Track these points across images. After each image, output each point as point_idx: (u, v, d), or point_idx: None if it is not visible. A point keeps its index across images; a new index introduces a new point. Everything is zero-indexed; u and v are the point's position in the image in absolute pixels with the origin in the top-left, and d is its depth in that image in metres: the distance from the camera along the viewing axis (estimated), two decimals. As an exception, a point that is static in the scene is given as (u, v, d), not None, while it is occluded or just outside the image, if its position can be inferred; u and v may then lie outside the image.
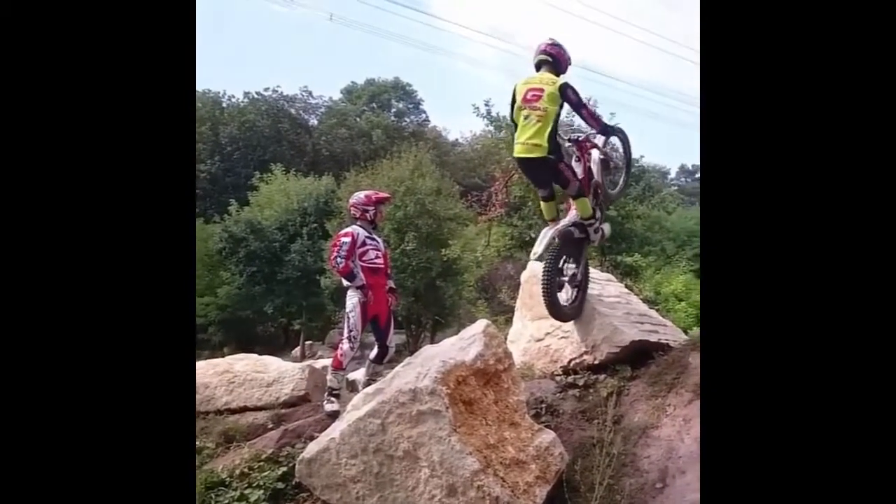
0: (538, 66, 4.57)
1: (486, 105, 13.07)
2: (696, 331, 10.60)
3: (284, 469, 3.88)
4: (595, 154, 4.82)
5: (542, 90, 4.33)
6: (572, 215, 4.77)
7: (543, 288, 4.44)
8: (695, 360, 4.23)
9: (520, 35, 75.99)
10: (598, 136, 4.84)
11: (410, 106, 41.32)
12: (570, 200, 4.77)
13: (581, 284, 4.79)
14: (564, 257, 4.67)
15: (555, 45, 4.56)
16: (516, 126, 4.48)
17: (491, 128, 13.87)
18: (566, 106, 4.47)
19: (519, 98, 4.43)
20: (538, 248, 4.57)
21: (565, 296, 4.68)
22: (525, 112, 4.36)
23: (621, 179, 5.33)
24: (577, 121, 5.14)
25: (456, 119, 76.61)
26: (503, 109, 12.91)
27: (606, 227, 4.98)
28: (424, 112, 41.71)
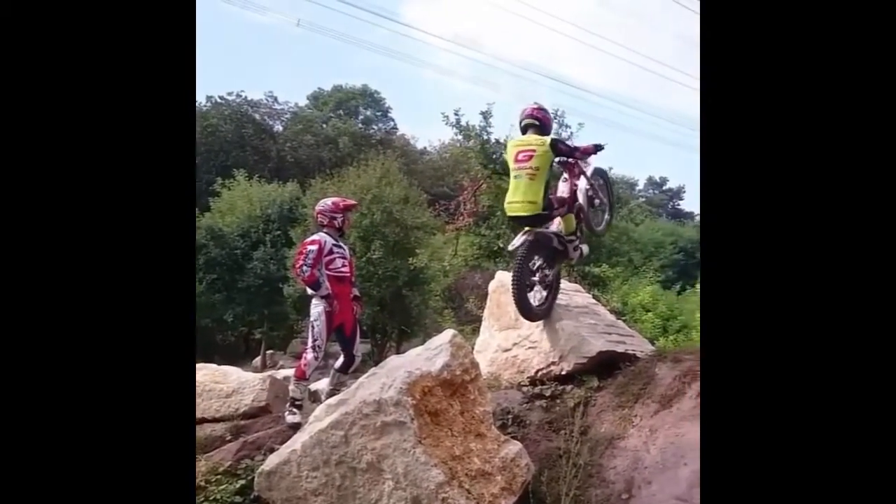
0: (524, 130, 4.76)
1: (456, 114, 13.02)
2: (662, 341, 10.83)
3: (243, 482, 3.76)
4: (583, 183, 4.99)
5: (533, 150, 4.51)
6: (555, 226, 4.86)
7: (513, 285, 4.47)
8: (661, 370, 4.28)
9: (488, 45, 77.08)
10: (588, 161, 5.02)
11: (378, 113, 41.26)
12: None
13: (552, 286, 4.86)
14: (539, 261, 4.71)
15: (540, 108, 4.79)
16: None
17: (460, 137, 13.82)
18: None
19: (510, 158, 4.61)
20: (516, 241, 4.66)
21: (536, 297, 4.71)
22: (516, 172, 4.54)
23: (604, 221, 5.54)
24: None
25: (425, 127, 76.93)
26: (472, 119, 12.90)
27: (585, 248, 5.10)
28: (393, 120, 41.82)
